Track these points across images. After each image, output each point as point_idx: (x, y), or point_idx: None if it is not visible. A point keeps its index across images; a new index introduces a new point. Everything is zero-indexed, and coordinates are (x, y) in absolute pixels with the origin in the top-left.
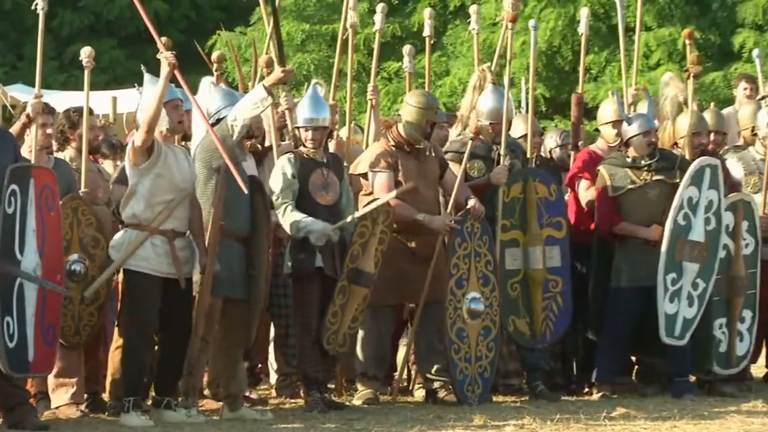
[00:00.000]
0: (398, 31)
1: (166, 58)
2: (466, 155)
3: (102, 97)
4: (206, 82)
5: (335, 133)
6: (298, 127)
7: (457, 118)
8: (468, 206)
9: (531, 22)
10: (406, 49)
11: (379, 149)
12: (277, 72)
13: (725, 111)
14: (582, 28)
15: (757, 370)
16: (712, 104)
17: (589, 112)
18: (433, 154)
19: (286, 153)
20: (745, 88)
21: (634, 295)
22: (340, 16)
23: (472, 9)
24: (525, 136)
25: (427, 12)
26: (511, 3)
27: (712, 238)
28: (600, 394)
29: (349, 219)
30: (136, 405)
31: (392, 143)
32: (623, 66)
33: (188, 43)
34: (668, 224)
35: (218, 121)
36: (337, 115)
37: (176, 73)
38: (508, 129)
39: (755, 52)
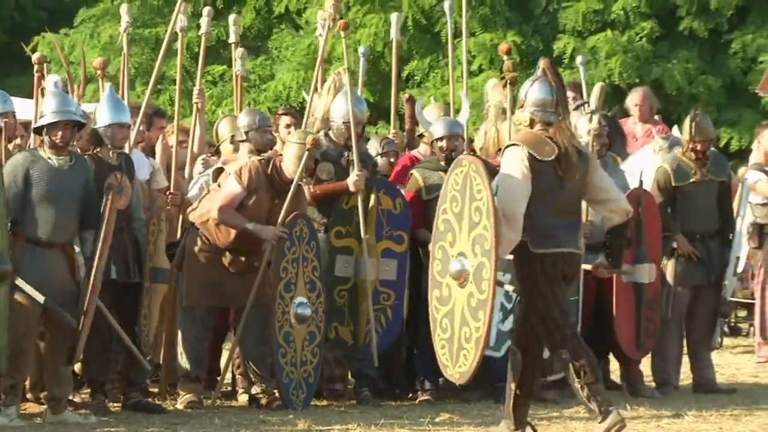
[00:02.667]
0: (223, 35)
1: None
2: (303, 160)
3: None
4: (50, 82)
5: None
6: (96, 128)
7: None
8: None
9: (360, 49)
10: (238, 52)
11: (255, 168)
12: None
13: None
14: (393, 34)
15: None
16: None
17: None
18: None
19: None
20: (569, 97)
21: None
22: (164, 20)
23: (320, 14)
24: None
25: (231, 18)
26: (332, 4)
27: None
28: (424, 399)
29: None
30: None
31: (268, 171)
32: (451, 73)
33: (12, 43)
34: None
35: (39, 129)
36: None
37: None
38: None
39: (579, 59)
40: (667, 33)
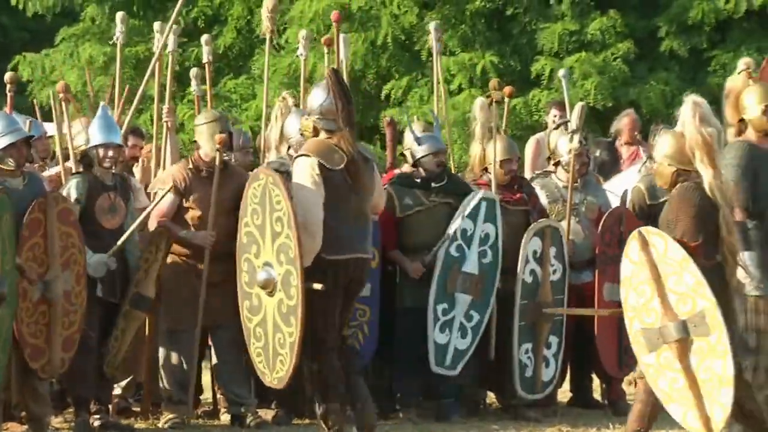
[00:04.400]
0: (201, 55)
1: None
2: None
3: None
4: None
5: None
6: (88, 148)
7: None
8: None
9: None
10: (193, 72)
11: (175, 170)
12: None
13: (537, 136)
14: (342, 54)
15: (562, 395)
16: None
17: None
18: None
19: (74, 175)
20: (555, 115)
21: (418, 317)
22: (144, 39)
23: (301, 34)
24: None
25: (204, 38)
26: (268, 17)
27: (487, 271)
28: (406, 418)
29: (119, 243)
30: None
31: (190, 167)
32: (435, 91)
33: None
34: (440, 254)
35: None
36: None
37: None
38: None
39: (561, 72)
40: (646, 53)
